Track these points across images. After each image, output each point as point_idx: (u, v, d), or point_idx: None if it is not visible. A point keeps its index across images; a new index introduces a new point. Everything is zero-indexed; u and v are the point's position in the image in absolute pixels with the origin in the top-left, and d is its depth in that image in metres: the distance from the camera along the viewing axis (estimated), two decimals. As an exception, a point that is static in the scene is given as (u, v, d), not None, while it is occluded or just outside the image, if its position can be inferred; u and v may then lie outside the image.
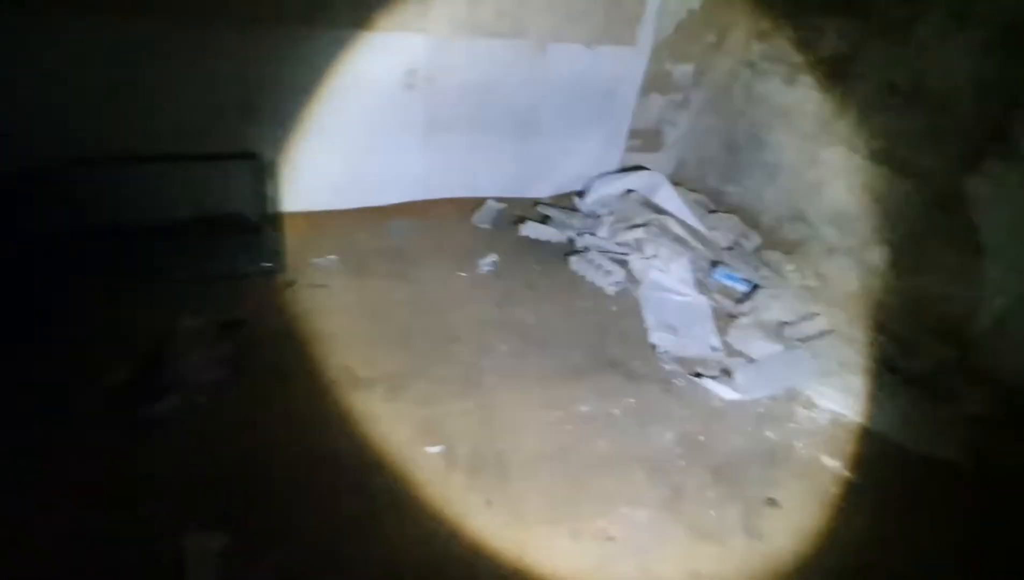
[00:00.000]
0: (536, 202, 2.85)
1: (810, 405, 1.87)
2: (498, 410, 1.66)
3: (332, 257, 2.16)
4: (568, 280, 2.33)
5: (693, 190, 3.01)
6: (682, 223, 2.69)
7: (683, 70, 2.89)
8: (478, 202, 2.72)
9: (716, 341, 2.08)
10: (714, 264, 2.49)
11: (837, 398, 1.89)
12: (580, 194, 2.94)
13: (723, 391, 1.84)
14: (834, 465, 1.67)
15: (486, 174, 2.74)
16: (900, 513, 1.57)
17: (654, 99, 2.92)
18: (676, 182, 3.04)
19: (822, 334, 2.14)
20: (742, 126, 2.84)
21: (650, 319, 2.15)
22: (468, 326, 1.97)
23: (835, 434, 1.78)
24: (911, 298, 2.13)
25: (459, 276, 2.21)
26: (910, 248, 2.16)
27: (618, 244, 2.55)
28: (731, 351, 2.05)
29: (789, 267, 2.54)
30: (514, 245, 2.48)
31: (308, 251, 2.15)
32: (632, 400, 1.78)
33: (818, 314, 2.23)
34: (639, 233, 2.58)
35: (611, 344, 2.01)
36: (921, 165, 2.10)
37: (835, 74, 2.38)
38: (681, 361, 1.97)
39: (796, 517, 1.51)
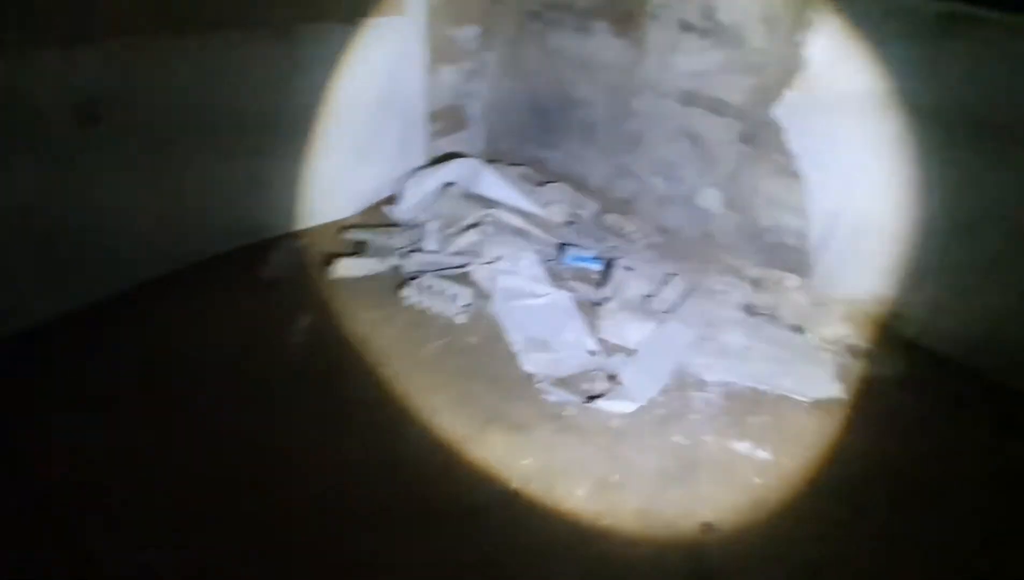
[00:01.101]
0: (342, 227, 2.32)
1: (701, 385, 1.74)
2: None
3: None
4: (408, 321, 1.90)
5: (514, 164, 2.73)
6: (516, 210, 2.40)
7: (467, 33, 2.51)
8: (260, 247, 2.12)
9: (591, 342, 1.84)
10: (561, 247, 2.25)
11: (719, 366, 1.79)
12: (392, 201, 2.48)
13: (618, 407, 1.62)
14: (746, 448, 1.56)
15: (256, 206, 2.13)
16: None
17: (445, 72, 2.52)
18: (493, 160, 2.72)
19: (684, 296, 2.03)
20: (545, 85, 2.59)
21: (516, 339, 1.84)
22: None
23: (732, 410, 1.67)
24: (751, 234, 2.11)
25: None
26: (734, 185, 2.13)
27: (453, 255, 2.17)
28: (609, 347, 1.84)
29: (631, 228, 2.40)
30: (329, 295, 1.98)
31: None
32: (527, 461, 1.47)
33: (675, 274, 2.12)
34: (473, 235, 2.23)
35: (482, 393, 1.66)
36: (729, 101, 2.03)
37: (626, 17, 2.20)
38: (564, 383, 1.70)
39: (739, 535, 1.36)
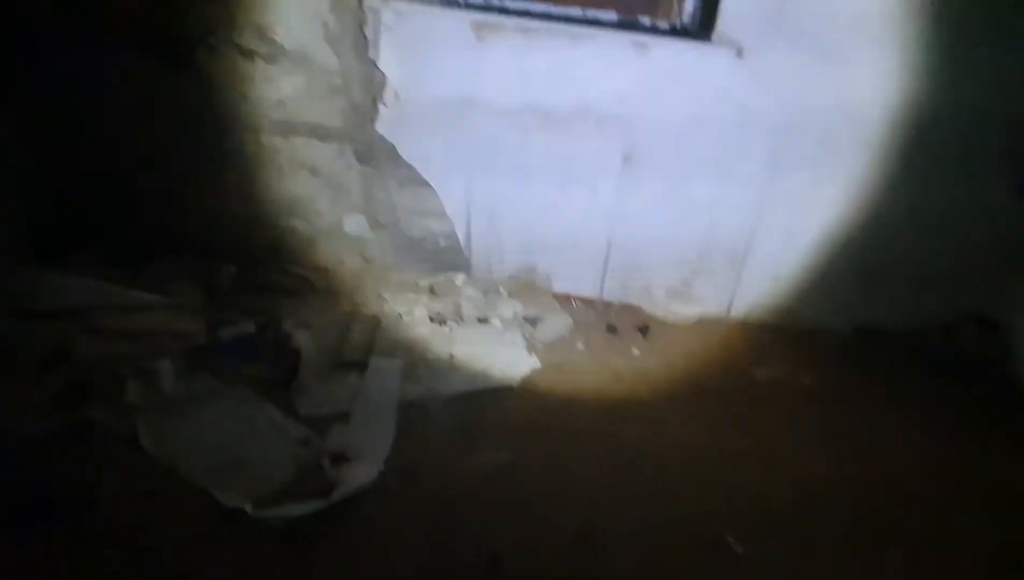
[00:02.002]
0: None
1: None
2: None
3: None
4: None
5: (90, 243, 2.03)
6: (124, 308, 1.81)
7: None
8: None
9: (297, 429, 1.56)
10: (209, 334, 1.81)
11: (432, 385, 1.77)
12: None
13: (357, 485, 1.41)
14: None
15: None
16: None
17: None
18: (50, 243, 2.00)
19: (370, 332, 1.92)
20: (109, 136, 1.98)
21: (221, 492, 1.39)
22: None
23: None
24: (408, 248, 2.12)
25: None
26: (373, 205, 2.08)
27: (54, 407, 1.49)
28: (319, 423, 1.59)
29: (286, 280, 2.11)
30: None
31: None
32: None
33: (352, 313, 1.98)
34: (67, 371, 1.59)
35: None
36: (329, 126, 1.93)
37: (175, 48, 1.82)
38: (288, 494, 1.38)
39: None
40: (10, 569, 1.19)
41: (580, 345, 2.02)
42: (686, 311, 2.18)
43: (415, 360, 1.81)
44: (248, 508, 1.33)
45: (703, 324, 2.19)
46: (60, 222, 2.04)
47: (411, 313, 1.96)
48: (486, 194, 2.03)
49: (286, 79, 1.84)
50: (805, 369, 2.01)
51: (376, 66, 1.82)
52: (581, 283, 2.18)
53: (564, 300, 2.19)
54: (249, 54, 1.79)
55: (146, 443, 1.47)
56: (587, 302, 2.20)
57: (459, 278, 2.14)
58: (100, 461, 1.42)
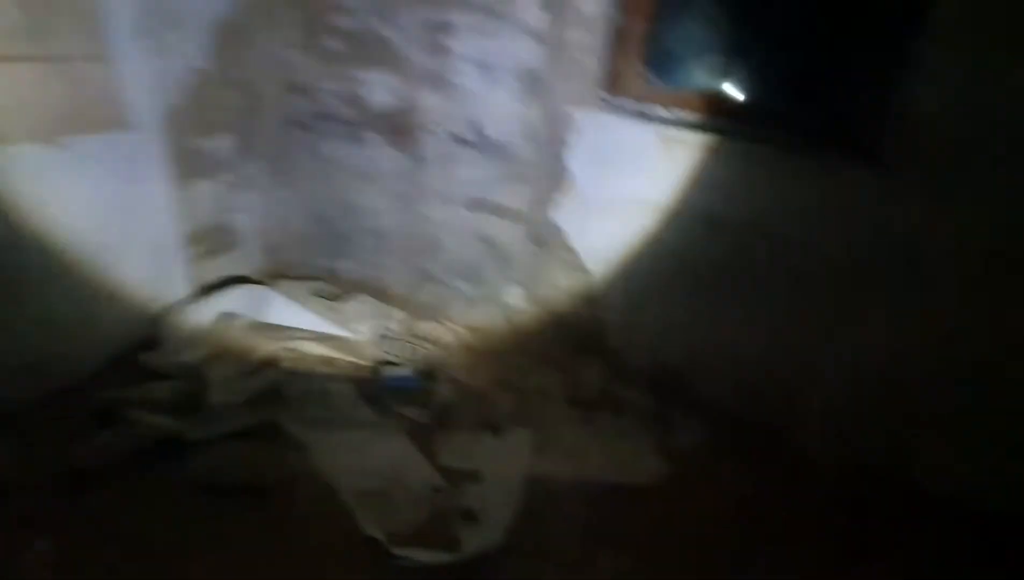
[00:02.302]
0: (84, 395, 1.77)
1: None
2: None
3: None
4: (204, 517, 1.51)
5: (303, 279, 2.47)
6: (316, 335, 2.16)
7: (220, 144, 2.21)
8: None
9: (433, 476, 1.72)
10: (375, 369, 2.08)
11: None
12: (150, 346, 2.00)
13: (479, 548, 1.52)
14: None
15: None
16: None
17: (201, 188, 2.17)
18: (277, 277, 2.44)
19: (514, 400, 2.05)
20: (325, 193, 2.43)
21: (347, 497, 1.60)
22: None
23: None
24: (560, 325, 2.25)
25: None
26: (533, 282, 2.26)
27: (248, 405, 1.83)
28: (452, 475, 1.73)
29: (444, 334, 2.36)
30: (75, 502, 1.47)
31: None
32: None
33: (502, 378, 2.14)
34: (269, 375, 1.93)
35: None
36: (512, 207, 2.16)
37: (399, 130, 2.21)
38: (417, 537, 1.53)
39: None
40: (204, 537, 1.46)
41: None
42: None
43: (548, 437, 1.90)
44: (383, 541, 1.49)
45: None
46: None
47: (550, 390, 2.07)
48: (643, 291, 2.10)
49: (485, 164, 2.12)
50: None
51: (564, 163, 2.02)
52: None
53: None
54: (461, 141, 2.10)
55: (316, 454, 1.72)
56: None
57: (596, 364, 2.21)
58: (278, 461, 1.69)
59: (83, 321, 1.85)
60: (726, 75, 1.97)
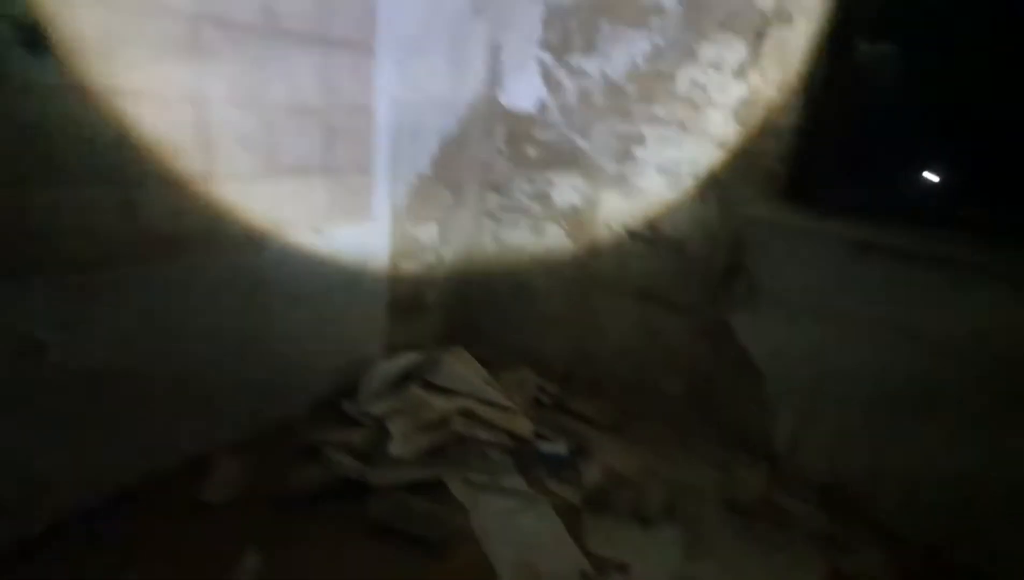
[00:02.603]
0: (289, 430, 2.14)
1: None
2: None
3: None
4: (377, 556, 1.69)
5: (473, 348, 2.74)
6: (481, 400, 2.36)
7: (429, 231, 2.65)
8: (197, 465, 1.88)
9: (582, 561, 1.72)
10: (531, 440, 2.19)
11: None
12: (350, 394, 2.36)
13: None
14: None
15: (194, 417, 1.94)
16: None
17: (408, 265, 2.60)
18: (450, 339, 2.74)
19: (669, 492, 2.00)
20: (502, 275, 2.73)
21: (503, 570, 1.67)
22: None
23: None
24: (714, 419, 2.18)
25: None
26: (696, 375, 2.25)
27: (422, 462, 2.04)
28: (599, 563, 1.72)
29: (598, 414, 2.41)
30: (279, 520, 1.75)
31: None
32: None
33: (654, 472, 2.10)
34: (441, 434, 2.14)
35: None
36: (682, 301, 2.22)
37: (578, 224, 2.45)
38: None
39: None
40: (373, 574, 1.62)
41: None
42: None
43: (701, 539, 1.79)
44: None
45: None
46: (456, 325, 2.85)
47: (706, 488, 1.98)
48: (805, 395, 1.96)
49: (659, 259, 2.24)
50: None
51: (743, 262, 2.05)
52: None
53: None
54: (636, 237, 2.26)
55: (473, 517, 1.84)
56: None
57: (759, 467, 2.07)
58: (443, 517, 1.84)
59: (303, 366, 2.27)
60: (927, 183, 1.89)
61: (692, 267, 2.16)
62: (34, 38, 1.28)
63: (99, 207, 1.49)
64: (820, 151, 1.97)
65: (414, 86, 2.29)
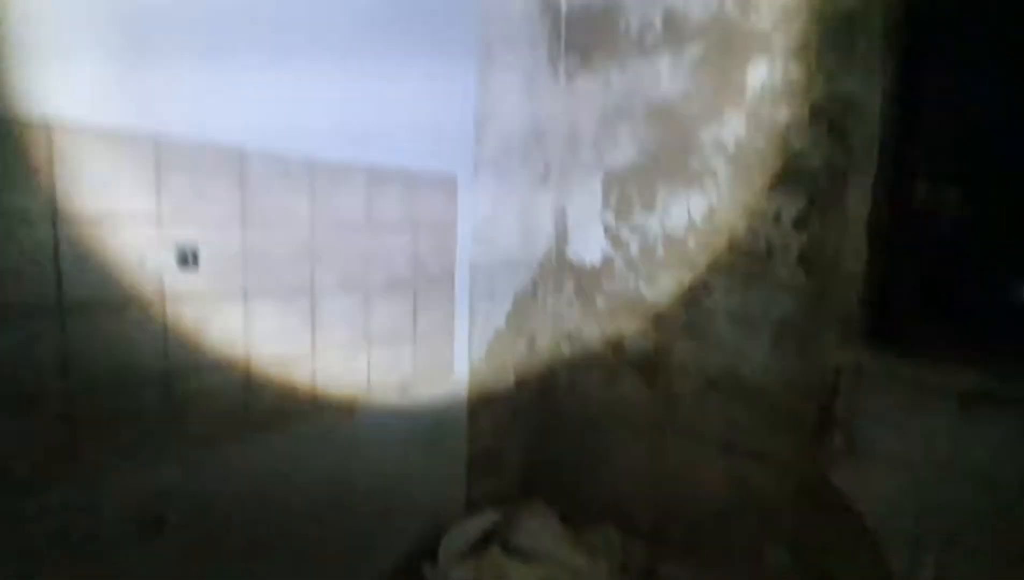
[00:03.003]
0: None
1: None
2: None
3: None
4: None
5: (553, 503, 2.65)
6: (561, 564, 2.24)
7: (505, 383, 2.73)
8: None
9: None
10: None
11: None
12: (432, 554, 2.31)
13: None
14: None
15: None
16: None
17: (484, 418, 2.65)
18: (529, 491, 2.67)
19: None
20: (577, 426, 2.71)
21: None
22: None
23: None
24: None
25: None
26: (797, 539, 2.04)
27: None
28: None
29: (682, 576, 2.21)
30: None
31: None
32: None
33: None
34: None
35: None
36: (773, 454, 2.10)
37: (652, 371, 2.45)
38: None
39: None
40: None
41: None
42: None
43: None
44: None
45: None
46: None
47: None
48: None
49: (742, 408, 2.17)
50: None
51: (836, 413, 1.95)
52: None
53: None
54: (714, 384, 2.23)
55: None
56: None
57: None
58: None
59: (387, 526, 2.27)
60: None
61: (779, 418, 2.06)
62: (186, 257, 1.57)
63: (225, 390, 1.69)
64: (900, 292, 1.93)
65: (490, 250, 2.53)
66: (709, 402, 2.26)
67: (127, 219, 1.47)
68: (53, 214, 1.36)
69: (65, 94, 1.35)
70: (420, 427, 2.33)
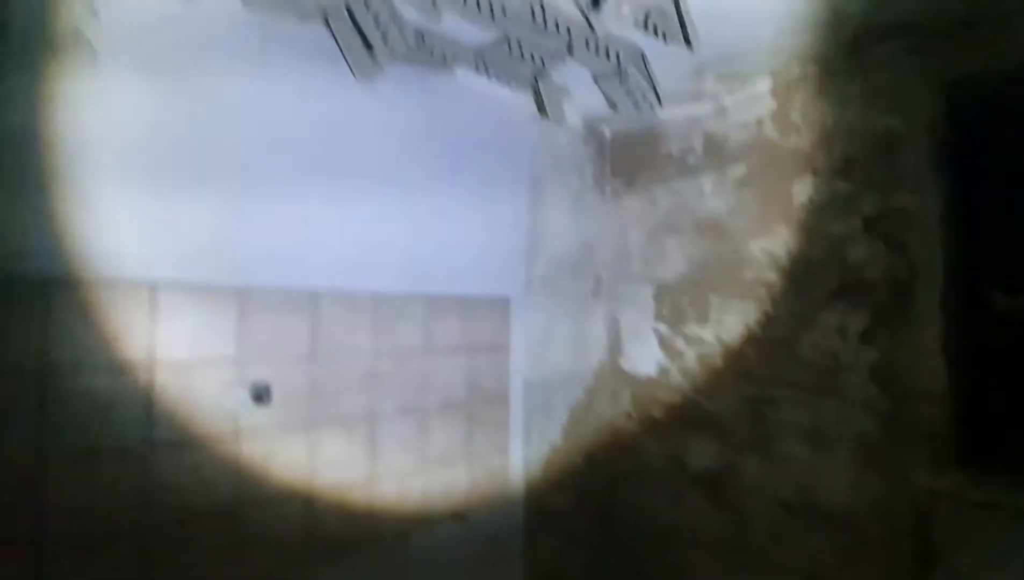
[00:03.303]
0: None
1: None
2: None
3: None
4: None
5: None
6: None
7: (564, 500, 2.63)
8: None
9: None
10: None
11: None
12: None
13: None
14: None
15: None
16: None
17: (542, 540, 2.54)
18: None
19: None
20: (641, 548, 2.54)
21: None
22: None
23: None
24: None
25: None
26: None
27: None
28: None
29: None
30: None
31: None
32: None
33: None
34: None
35: None
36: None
37: (719, 489, 2.31)
38: None
39: None
40: None
41: None
42: None
43: None
44: None
45: None
46: None
47: None
48: None
49: (824, 538, 1.98)
50: None
51: (935, 546, 1.75)
52: None
53: None
54: (790, 509, 2.06)
55: None
56: None
57: None
58: None
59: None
60: None
61: (868, 550, 1.87)
62: (260, 394, 1.68)
63: (288, 520, 1.73)
64: (993, 408, 1.78)
65: (543, 365, 2.54)
66: (786, 526, 2.08)
67: (210, 363, 1.61)
68: (151, 364, 1.51)
69: (166, 259, 1.54)
70: (476, 550, 2.25)
